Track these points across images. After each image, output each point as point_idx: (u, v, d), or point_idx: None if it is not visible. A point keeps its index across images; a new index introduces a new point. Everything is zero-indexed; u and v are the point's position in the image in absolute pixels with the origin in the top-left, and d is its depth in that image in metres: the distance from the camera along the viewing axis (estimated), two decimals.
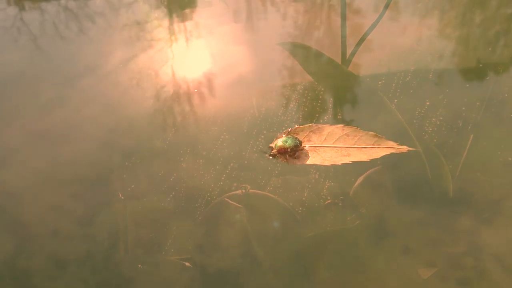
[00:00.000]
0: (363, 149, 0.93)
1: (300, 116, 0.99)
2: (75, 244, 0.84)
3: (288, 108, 1.01)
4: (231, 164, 0.92)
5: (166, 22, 1.30)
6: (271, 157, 0.92)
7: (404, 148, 0.92)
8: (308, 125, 0.97)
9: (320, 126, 0.97)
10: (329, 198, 0.85)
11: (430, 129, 0.94)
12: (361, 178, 0.87)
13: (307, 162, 0.92)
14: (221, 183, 0.89)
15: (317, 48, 1.18)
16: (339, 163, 0.91)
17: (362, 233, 0.81)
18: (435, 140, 0.92)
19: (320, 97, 1.02)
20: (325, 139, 0.95)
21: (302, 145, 0.93)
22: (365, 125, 0.95)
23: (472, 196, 0.84)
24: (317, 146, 0.94)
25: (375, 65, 1.10)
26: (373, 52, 1.15)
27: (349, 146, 0.94)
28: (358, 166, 0.89)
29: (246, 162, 0.92)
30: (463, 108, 0.98)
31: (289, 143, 0.92)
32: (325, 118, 0.98)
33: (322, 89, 1.04)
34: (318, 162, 0.92)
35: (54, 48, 1.25)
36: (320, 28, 1.26)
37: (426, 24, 1.23)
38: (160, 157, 0.95)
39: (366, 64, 1.12)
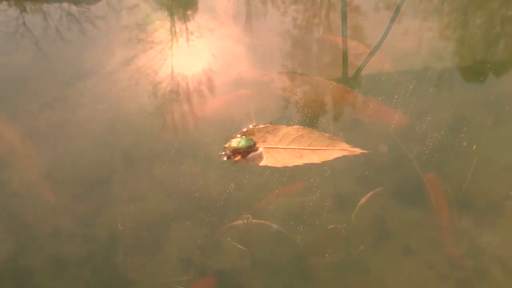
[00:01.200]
0: (316, 150, 0.93)
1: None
2: (76, 244, 0.85)
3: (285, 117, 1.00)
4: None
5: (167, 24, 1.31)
6: (226, 158, 0.93)
7: (357, 151, 0.92)
8: (264, 125, 0.97)
9: (276, 127, 0.97)
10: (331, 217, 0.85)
11: (431, 143, 0.93)
12: (363, 200, 0.86)
13: (260, 164, 0.92)
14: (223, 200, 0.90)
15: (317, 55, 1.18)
16: (290, 164, 0.91)
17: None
18: (436, 155, 0.91)
19: (320, 117, 1.01)
20: (280, 140, 0.95)
21: (256, 146, 0.93)
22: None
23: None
24: (271, 147, 0.94)
25: (375, 76, 1.09)
26: (374, 64, 1.13)
27: (303, 147, 0.94)
28: (359, 185, 0.88)
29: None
30: (465, 122, 0.97)
31: (242, 143, 0.92)
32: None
33: (321, 108, 1.04)
34: (270, 164, 0.92)
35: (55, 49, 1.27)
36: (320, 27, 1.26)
37: (429, 33, 1.21)
38: (160, 160, 0.95)
39: (366, 77, 1.10)
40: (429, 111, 0.99)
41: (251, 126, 0.97)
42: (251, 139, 0.94)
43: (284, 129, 0.96)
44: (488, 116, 0.97)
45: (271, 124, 0.97)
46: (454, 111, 0.99)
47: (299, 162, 0.92)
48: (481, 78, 1.07)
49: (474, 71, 1.09)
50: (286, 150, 0.94)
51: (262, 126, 0.97)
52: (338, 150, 0.93)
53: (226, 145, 0.94)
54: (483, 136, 0.93)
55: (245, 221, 0.84)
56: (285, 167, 0.91)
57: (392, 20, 1.24)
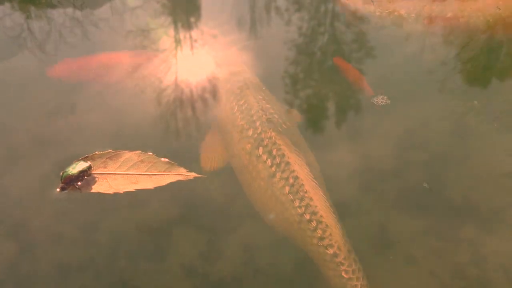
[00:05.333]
0: (153, 176, 0.90)
1: None
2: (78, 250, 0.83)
3: None
4: None
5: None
6: (59, 190, 0.88)
7: (191, 175, 0.89)
8: (106, 151, 0.93)
9: (118, 152, 0.94)
10: None
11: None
12: None
13: (92, 190, 0.88)
14: None
15: None
16: (121, 191, 0.88)
17: None
18: None
19: None
20: (120, 166, 0.92)
21: (90, 171, 0.89)
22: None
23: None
24: (108, 174, 0.90)
25: None
26: None
27: (140, 173, 0.90)
28: None
29: None
30: None
31: (76, 169, 0.88)
32: None
33: None
34: (102, 190, 0.89)
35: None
36: None
37: None
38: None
39: None
40: None
41: (96, 152, 0.93)
42: (86, 163, 0.90)
43: (126, 155, 0.93)
44: None
45: (112, 150, 0.94)
46: None
47: (132, 188, 0.88)
48: None
49: None
50: (123, 176, 0.90)
51: (103, 152, 0.93)
52: (174, 175, 0.89)
53: (61, 174, 0.90)
54: None
55: None
56: (116, 193, 0.87)
57: None
